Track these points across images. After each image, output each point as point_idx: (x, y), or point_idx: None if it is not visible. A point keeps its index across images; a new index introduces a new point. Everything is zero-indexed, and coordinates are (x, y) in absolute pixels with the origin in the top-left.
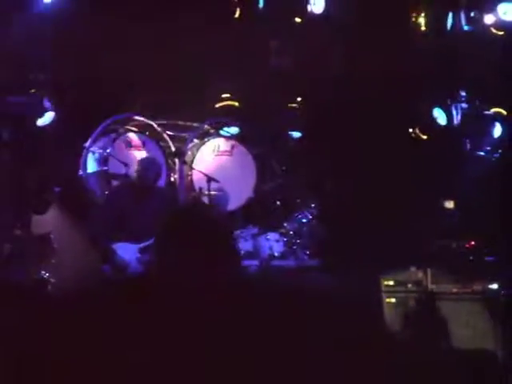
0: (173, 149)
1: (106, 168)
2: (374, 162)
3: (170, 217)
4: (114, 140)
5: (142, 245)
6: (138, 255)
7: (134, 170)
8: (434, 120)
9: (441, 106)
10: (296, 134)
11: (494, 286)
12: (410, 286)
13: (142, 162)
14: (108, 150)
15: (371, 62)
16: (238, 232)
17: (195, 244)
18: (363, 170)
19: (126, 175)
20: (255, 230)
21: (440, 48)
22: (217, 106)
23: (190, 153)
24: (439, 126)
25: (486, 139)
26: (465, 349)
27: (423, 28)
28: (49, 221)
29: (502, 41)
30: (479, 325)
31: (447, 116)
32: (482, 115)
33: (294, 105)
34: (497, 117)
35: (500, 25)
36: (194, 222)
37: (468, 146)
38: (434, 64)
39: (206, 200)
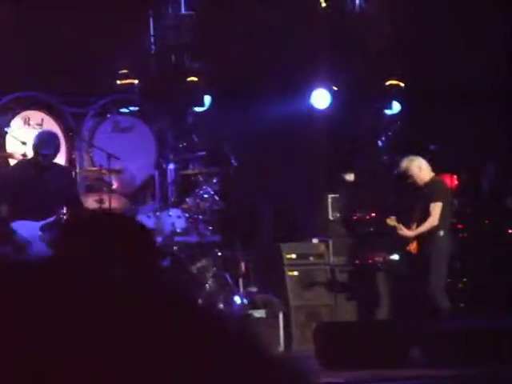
0: (72, 126)
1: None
2: (277, 135)
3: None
4: (12, 118)
5: (42, 222)
6: (40, 233)
7: (31, 145)
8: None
9: (326, 86)
10: (199, 109)
11: (395, 257)
12: (312, 258)
13: (39, 136)
14: (5, 129)
15: (268, 35)
16: (139, 208)
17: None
18: (267, 143)
19: (25, 154)
20: (156, 206)
21: (334, 23)
22: (118, 82)
23: (89, 130)
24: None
25: (384, 114)
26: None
27: (323, 4)
28: None
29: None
30: (383, 295)
31: (332, 96)
32: (377, 89)
33: (195, 79)
34: (394, 90)
35: None
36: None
37: (365, 122)
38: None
39: (108, 178)
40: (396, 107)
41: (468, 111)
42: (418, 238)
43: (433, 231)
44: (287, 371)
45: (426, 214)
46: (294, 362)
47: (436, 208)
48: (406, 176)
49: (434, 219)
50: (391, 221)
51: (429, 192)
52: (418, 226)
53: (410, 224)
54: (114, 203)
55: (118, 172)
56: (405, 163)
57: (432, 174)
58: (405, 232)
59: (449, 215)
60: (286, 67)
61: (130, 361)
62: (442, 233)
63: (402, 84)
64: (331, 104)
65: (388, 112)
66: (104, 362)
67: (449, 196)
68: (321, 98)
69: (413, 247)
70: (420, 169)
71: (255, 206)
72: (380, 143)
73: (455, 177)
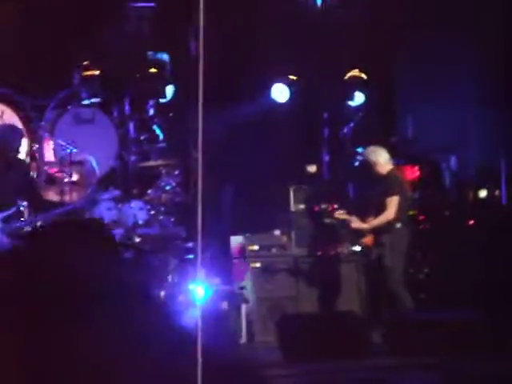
0: (33, 118)
1: None
2: (240, 128)
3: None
4: None
5: (2, 214)
6: (0, 225)
7: None
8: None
9: (283, 81)
10: (162, 101)
11: (357, 248)
12: (274, 250)
13: None
14: None
15: (230, 29)
16: (99, 195)
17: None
18: (230, 136)
19: None
20: (117, 193)
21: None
22: (79, 74)
23: (50, 122)
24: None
25: (346, 106)
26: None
27: None
28: None
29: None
30: (346, 287)
31: (291, 90)
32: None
33: (156, 71)
34: (356, 81)
35: None
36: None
37: (326, 114)
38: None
39: (69, 170)
40: (359, 99)
41: (430, 103)
42: (375, 230)
43: (390, 224)
44: None
45: (382, 207)
46: None
47: (392, 202)
48: (365, 167)
49: (389, 213)
50: (341, 214)
51: (386, 185)
52: (374, 218)
53: (368, 216)
54: (75, 195)
55: (79, 164)
56: (365, 153)
57: (390, 167)
58: (358, 224)
59: (406, 208)
60: (247, 60)
61: None
62: (398, 225)
63: (364, 75)
64: (292, 96)
65: (351, 103)
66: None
67: (405, 189)
68: (280, 92)
69: (368, 240)
70: (378, 160)
71: (218, 198)
72: (342, 135)
73: (417, 168)
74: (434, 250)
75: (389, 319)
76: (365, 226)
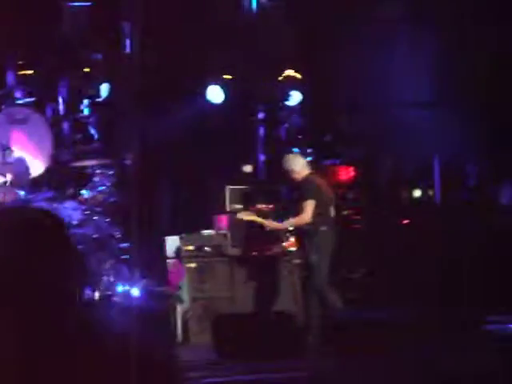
0: None
1: None
2: (176, 128)
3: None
4: None
5: None
6: None
7: None
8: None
9: (218, 83)
10: (97, 100)
11: (293, 249)
12: (210, 250)
13: None
14: None
15: (163, 30)
16: (33, 197)
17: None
18: (166, 136)
19: None
20: (50, 195)
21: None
22: (13, 73)
23: None
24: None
25: (282, 106)
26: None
27: None
28: None
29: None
30: (281, 287)
31: (226, 91)
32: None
33: (89, 70)
34: (291, 81)
35: None
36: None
37: (262, 114)
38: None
39: (2, 171)
40: (295, 99)
41: (366, 102)
42: (300, 233)
43: (314, 227)
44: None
45: (301, 211)
46: None
47: (307, 206)
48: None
49: (304, 216)
50: (246, 215)
51: (302, 191)
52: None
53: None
54: (8, 196)
55: (13, 164)
56: (283, 161)
57: (306, 173)
58: (273, 225)
59: (327, 210)
60: (182, 62)
61: None
62: (323, 228)
63: (300, 75)
64: (228, 97)
65: (286, 103)
66: None
67: (323, 193)
68: (215, 94)
69: (290, 242)
70: (293, 169)
71: (154, 198)
72: (278, 135)
73: (351, 169)
74: (369, 250)
75: (324, 319)
76: (279, 226)
